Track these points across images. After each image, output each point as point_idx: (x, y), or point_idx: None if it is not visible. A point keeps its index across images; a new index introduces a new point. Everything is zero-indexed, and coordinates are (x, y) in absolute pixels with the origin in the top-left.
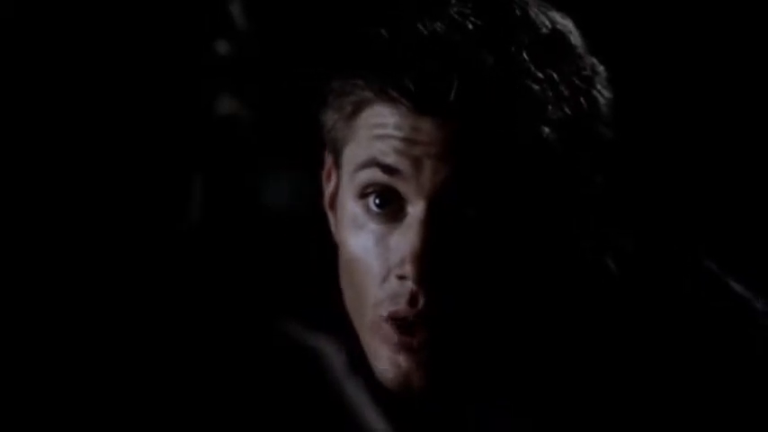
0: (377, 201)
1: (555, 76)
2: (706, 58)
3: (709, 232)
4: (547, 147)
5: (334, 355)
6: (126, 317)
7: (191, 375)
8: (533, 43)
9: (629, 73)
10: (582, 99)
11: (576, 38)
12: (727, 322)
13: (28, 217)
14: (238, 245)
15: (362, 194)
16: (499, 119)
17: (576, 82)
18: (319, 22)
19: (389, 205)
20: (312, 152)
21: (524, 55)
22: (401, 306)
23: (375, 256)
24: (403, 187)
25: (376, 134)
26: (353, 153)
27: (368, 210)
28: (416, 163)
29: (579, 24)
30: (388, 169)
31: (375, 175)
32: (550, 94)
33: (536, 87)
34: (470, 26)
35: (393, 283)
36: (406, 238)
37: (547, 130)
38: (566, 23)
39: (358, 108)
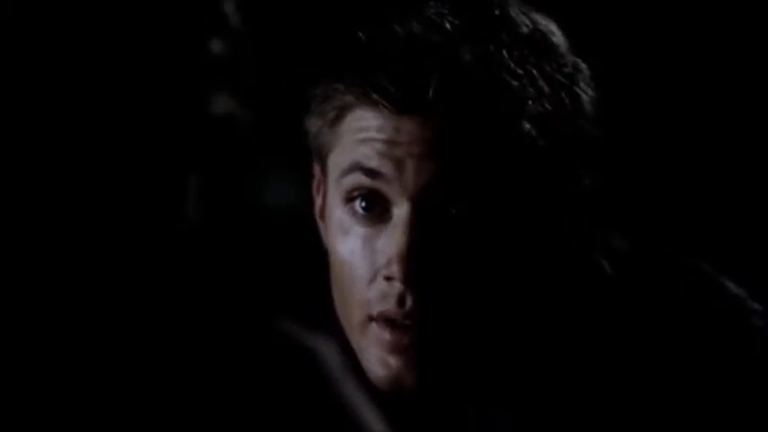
0: (362, 204)
1: (535, 72)
2: (698, 56)
3: (704, 232)
4: (529, 143)
5: (331, 355)
6: (124, 316)
7: (190, 375)
8: (513, 41)
9: (620, 73)
10: (563, 96)
11: (557, 38)
12: (722, 322)
13: (25, 216)
14: (236, 244)
15: (348, 199)
16: (479, 116)
17: (558, 78)
18: (302, 26)
19: (375, 208)
20: (310, 154)
21: (503, 52)
22: (390, 306)
23: (362, 258)
24: (387, 190)
25: (359, 138)
26: (338, 159)
27: (354, 213)
28: (399, 165)
29: (567, 25)
30: (372, 173)
31: (359, 179)
32: (530, 90)
33: (515, 83)
34: (448, 26)
35: (381, 284)
36: (391, 240)
37: (528, 126)
38: (547, 24)
39: (341, 113)
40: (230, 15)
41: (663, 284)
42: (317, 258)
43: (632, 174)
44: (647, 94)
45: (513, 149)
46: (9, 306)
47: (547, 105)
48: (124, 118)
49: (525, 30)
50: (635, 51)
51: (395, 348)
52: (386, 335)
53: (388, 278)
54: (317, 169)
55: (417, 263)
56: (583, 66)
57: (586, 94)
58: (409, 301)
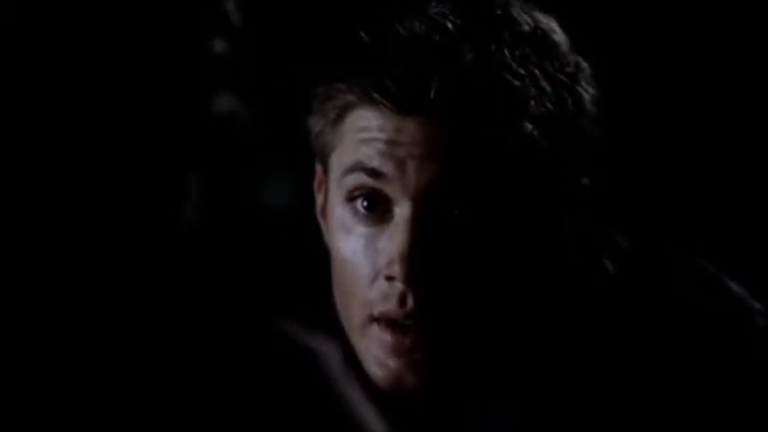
0: (364, 203)
1: (537, 72)
2: (699, 55)
3: (706, 231)
4: (531, 143)
5: (332, 356)
6: (122, 316)
7: (189, 375)
8: (514, 40)
9: (622, 71)
10: (566, 95)
11: (559, 36)
12: (724, 322)
13: (23, 214)
14: (236, 244)
15: (350, 198)
16: (481, 116)
17: (560, 78)
18: (304, 26)
19: (377, 208)
20: (311, 153)
21: (505, 52)
22: (391, 306)
23: (364, 257)
24: (389, 189)
25: (360, 138)
26: (340, 158)
27: (356, 213)
28: (401, 165)
29: (569, 24)
30: (373, 173)
31: (361, 179)
32: (532, 90)
33: (517, 83)
34: (450, 25)
35: (382, 284)
36: (393, 240)
37: (530, 126)
38: (549, 22)
39: (342, 113)
40: (231, 14)
41: (665, 284)
42: (317, 258)
43: (635, 173)
44: (649, 93)
45: (515, 149)
46: (6, 305)
47: (549, 105)
48: (123, 117)
49: (527, 29)
50: (636, 49)
51: (396, 350)
52: (387, 336)
53: (390, 278)
54: (318, 168)
55: (419, 263)
56: (584, 64)
57: (588, 93)
58: (410, 302)
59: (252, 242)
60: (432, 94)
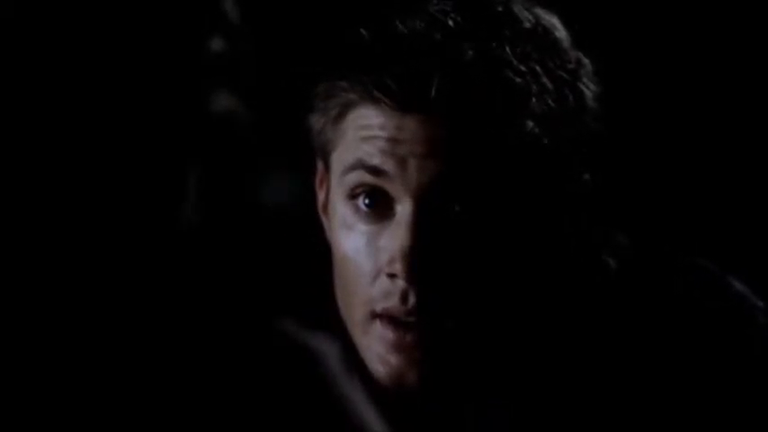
0: (366, 201)
1: (538, 68)
2: (701, 53)
3: (708, 230)
4: (532, 140)
5: (332, 354)
6: (122, 315)
7: (188, 375)
8: (515, 37)
9: (624, 68)
10: (567, 92)
11: (560, 32)
12: (726, 320)
13: (21, 213)
14: (236, 244)
15: (352, 195)
16: (482, 113)
17: (561, 75)
18: (304, 24)
19: (378, 205)
20: (311, 151)
21: (506, 49)
22: (393, 304)
23: (365, 255)
24: (390, 187)
25: (362, 136)
26: (341, 156)
27: (357, 210)
28: (402, 163)
29: (571, 21)
30: (375, 170)
31: (362, 176)
32: (534, 87)
33: (518, 80)
34: (451, 23)
35: (384, 281)
36: (395, 237)
37: (531, 123)
38: (550, 19)
39: (344, 110)
40: (229, 13)
41: (666, 282)
42: (316, 258)
43: (637, 171)
44: (651, 90)
45: (516, 147)
46: (5, 304)
47: (550, 102)
48: (123, 116)
49: (528, 25)
50: (638, 46)
51: (397, 346)
52: (388, 333)
53: (392, 275)
54: (319, 164)
55: (420, 260)
56: (586, 61)
57: (589, 89)
58: (412, 299)
59: (251, 241)
60: (432, 92)
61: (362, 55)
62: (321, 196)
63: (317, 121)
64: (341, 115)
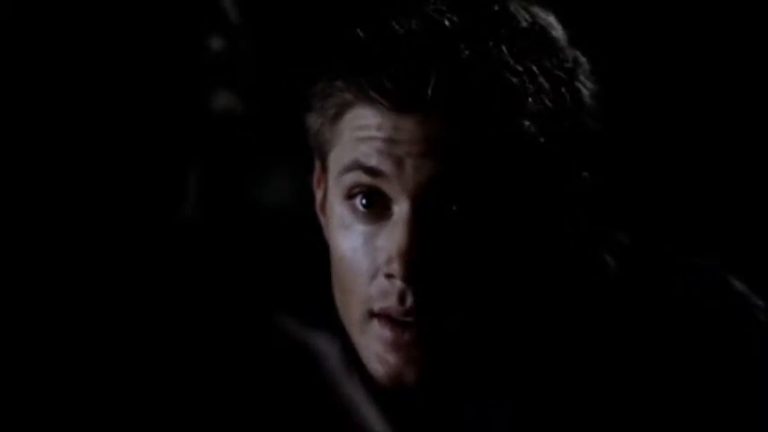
0: (363, 201)
1: (534, 68)
2: (700, 53)
3: (708, 228)
4: (529, 140)
5: (332, 353)
6: (121, 314)
7: (188, 374)
8: (512, 37)
9: (622, 66)
10: (564, 91)
11: (557, 31)
12: (726, 319)
13: (20, 211)
14: (236, 243)
15: (349, 195)
16: (479, 113)
17: (558, 74)
18: (302, 23)
19: (376, 205)
20: (310, 151)
21: (503, 48)
22: (391, 304)
23: (363, 255)
24: (387, 188)
25: (358, 136)
26: (338, 156)
27: (355, 210)
28: (399, 163)
29: (568, 20)
30: (372, 171)
31: (359, 177)
32: (530, 86)
33: (515, 80)
34: (447, 23)
35: (382, 281)
36: (392, 237)
37: (527, 123)
38: (546, 18)
39: (341, 110)
40: (228, 12)
41: (667, 281)
42: (316, 257)
43: (637, 170)
44: (651, 88)
45: (513, 146)
46: (4, 303)
47: (546, 102)
48: (122, 116)
49: (524, 25)
50: (636, 44)
51: (395, 345)
52: (386, 332)
53: (389, 276)
54: (317, 163)
55: (418, 261)
56: (583, 59)
57: (587, 88)
58: (410, 299)
59: (251, 241)
60: (429, 92)
61: (359, 55)
62: (319, 195)
63: (314, 120)
64: (338, 115)
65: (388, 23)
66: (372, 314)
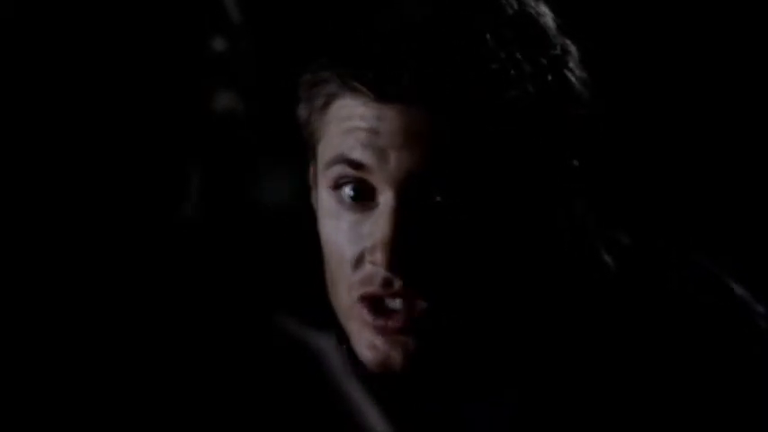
0: (351, 192)
1: (518, 55)
2: (700, 51)
3: (709, 232)
4: (511, 127)
5: (332, 353)
6: (121, 314)
7: (187, 373)
8: (495, 24)
9: (623, 64)
10: (549, 78)
11: (545, 19)
12: (726, 324)
13: (20, 211)
14: (236, 243)
15: (336, 186)
16: (459, 101)
17: (542, 61)
18: (301, 20)
19: (363, 195)
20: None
21: (485, 36)
22: (374, 287)
23: (348, 241)
24: (372, 179)
25: (343, 128)
26: (325, 148)
27: (342, 200)
28: (382, 155)
29: (561, 9)
30: (355, 164)
31: (344, 170)
32: (512, 72)
33: (495, 66)
34: (430, 11)
35: (366, 267)
36: (377, 226)
37: (509, 110)
38: (536, 6)
39: (328, 101)
40: (230, 12)
41: (667, 284)
42: (316, 256)
43: (638, 169)
44: (651, 85)
45: (496, 135)
46: (3, 302)
47: (530, 89)
48: (123, 116)
49: (510, 12)
50: (638, 43)
51: (381, 330)
52: (372, 318)
53: (373, 263)
54: (311, 157)
55: (402, 250)
56: (572, 47)
57: (576, 76)
58: (396, 283)
59: (251, 240)
60: (408, 81)
61: (342, 45)
62: (314, 192)
63: (303, 112)
64: (325, 105)
65: (371, 12)
66: (357, 299)
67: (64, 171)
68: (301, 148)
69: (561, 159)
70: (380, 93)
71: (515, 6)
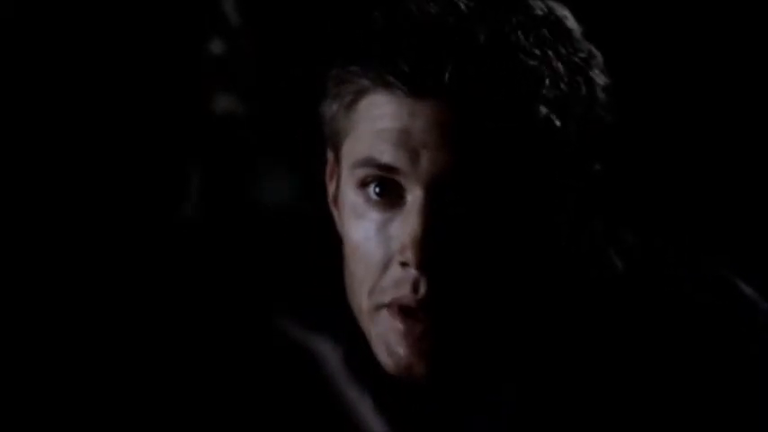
0: (377, 189)
1: (550, 53)
2: (708, 54)
3: (717, 231)
4: (544, 125)
5: (332, 357)
6: (121, 315)
7: (188, 375)
8: (528, 23)
9: (634, 68)
10: (579, 79)
11: (572, 23)
12: (733, 322)
13: (20, 211)
14: (236, 243)
15: (362, 184)
16: (495, 97)
17: (574, 61)
18: (311, 12)
19: (389, 193)
20: (312, 150)
21: (519, 33)
22: (404, 292)
23: (376, 243)
24: (401, 179)
25: (373, 128)
26: (352, 147)
27: (368, 199)
28: (413, 155)
29: (581, 17)
30: (386, 168)
31: (373, 171)
32: (546, 70)
33: (531, 63)
34: (463, 7)
35: (395, 270)
36: (406, 225)
37: (544, 108)
38: (562, 11)
39: (356, 97)
40: (229, 14)
41: (674, 282)
42: (316, 257)
43: (647, 170)
44: (661, 88)
45: (529, 133)
46: (3, 302)
47: (563, 87)
48: (123, 117)
49: (540, 13)
50: (646, 47)
51: (405, 336)
52: (398, 323)
53: (403, 264)
54: (330, 156)
55: (432, 248)
56: (597, 54)
57: (601, 80)
58: (423, 288)
59: (251, 241)
60: (446, 76)
61: (375, 39)
62: (331, 188)
63: (328, 107)
64: (353, 102)
65: (404, 7)
66: (384, 304)
67: (65, 172)
68: (304, 147)
69: (585, 161)
70: (416, 87)
71: (545, 9)
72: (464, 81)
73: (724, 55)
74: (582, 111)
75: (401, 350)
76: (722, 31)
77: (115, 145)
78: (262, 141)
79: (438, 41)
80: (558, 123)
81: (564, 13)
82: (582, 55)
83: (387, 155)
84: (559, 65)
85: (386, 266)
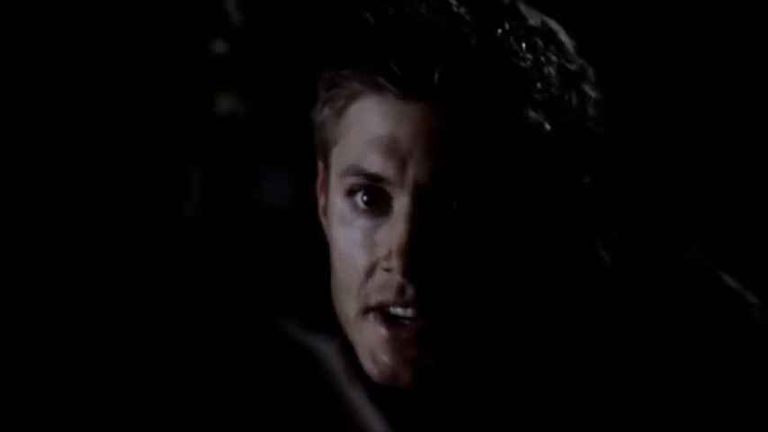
0: (365, 198)
1: (542, 59)
2: (696, 60)
3: (703, 225)
4: (534, 130)
5: (332, 357)
6: (122, 315)
7: (188, 375)
8: (521, 30)
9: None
10: (571, 89)
11: (565, 38)
12: (720, 315)
13: (21, 212)
14: (236, 243)
15: (350, 192)
16: (485, 100)
17: (566, 69)
18: (308, 14)
19: (376, 201)
20: (311, 151)
21: (511, 39)
22: (389, 296)
23: (362, 249)
24: (389, 188)
25: (361, 137)
26: (341, 155)
27: (356, 207)
28: (401, 165)
29: (574, 30)
30: (374, 177)
31: (361, 181)
32: (537, 75)
33: (522, 65)
34: (455, 10)
35: (380, 275)
36: (392, 232)
37: (533, 113)
38: (556, 25)
39: (347, 102)
40: (231, 14)
41: (661, 276)
42: (316, 258)
43: (633, 165)
44: (648, 88)
45: (518, 137)
46: (4, 302)
47: (554, 92)
48: (124, 117)
49: (534, 23)
50: (634, 51)
51: (390, 343)
52: (382, 329)
53: (388, 270)
54: (320, 166)
55: (417, 256)
56: (589, 68)
57: (592, 95)
58: (410, 291)
59: (251, 241)
60: (436, 77)
61: (368, 42)
62: (321, 201)
63: (319, 114)
64: (344, 107)
65: (397, 10)
66: (369, 309)
67: (66, 172)
68: (302, 150)
69: (574, 166)
70: (406, 89)
71: (537, 20)
72: (454, 82)
73: (716, 56)
74: (572, 120)
75: (385, 358)
76: (713, 37)
77: (116, 145)
78: (262, 141)
79: (430, 44)
80: (547, 128)
81: (557, 27)
82: (574, 67)
83: (375, 165)
84: (551, 70)
85: (371, 272)
